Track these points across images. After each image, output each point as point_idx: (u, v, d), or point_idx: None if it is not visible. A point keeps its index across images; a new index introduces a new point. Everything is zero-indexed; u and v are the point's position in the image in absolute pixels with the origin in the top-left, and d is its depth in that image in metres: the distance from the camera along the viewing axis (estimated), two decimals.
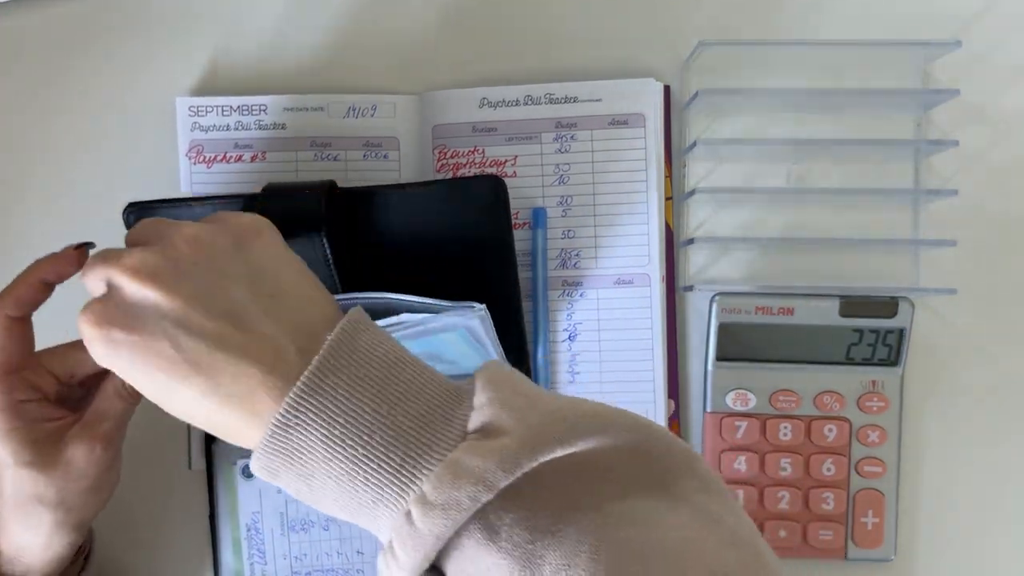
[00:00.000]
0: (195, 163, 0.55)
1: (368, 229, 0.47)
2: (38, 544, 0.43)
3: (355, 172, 0.55)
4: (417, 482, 0.33)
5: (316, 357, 0.34)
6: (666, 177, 0.55)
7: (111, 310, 0.35)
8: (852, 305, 0.53)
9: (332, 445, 0.33)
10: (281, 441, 0.34)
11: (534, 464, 0.32)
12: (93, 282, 0.37)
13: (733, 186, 0.55)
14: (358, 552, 0.54)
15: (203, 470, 0.55)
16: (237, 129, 0.54)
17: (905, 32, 0.55)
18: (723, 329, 0.53)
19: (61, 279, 0.44)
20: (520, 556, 0.31)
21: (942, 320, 0.55)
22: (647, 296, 0.54)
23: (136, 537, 0.55)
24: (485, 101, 0.54)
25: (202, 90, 0.56)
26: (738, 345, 0.53)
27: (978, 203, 0.55)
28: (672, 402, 0.55)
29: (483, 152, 0.54)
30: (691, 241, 0.54)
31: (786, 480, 0.54)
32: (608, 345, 0.54)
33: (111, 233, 0.53)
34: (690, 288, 0.55)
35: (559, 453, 0.33)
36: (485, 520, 0.32)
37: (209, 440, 0.54)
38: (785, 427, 0.53)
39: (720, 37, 0.55)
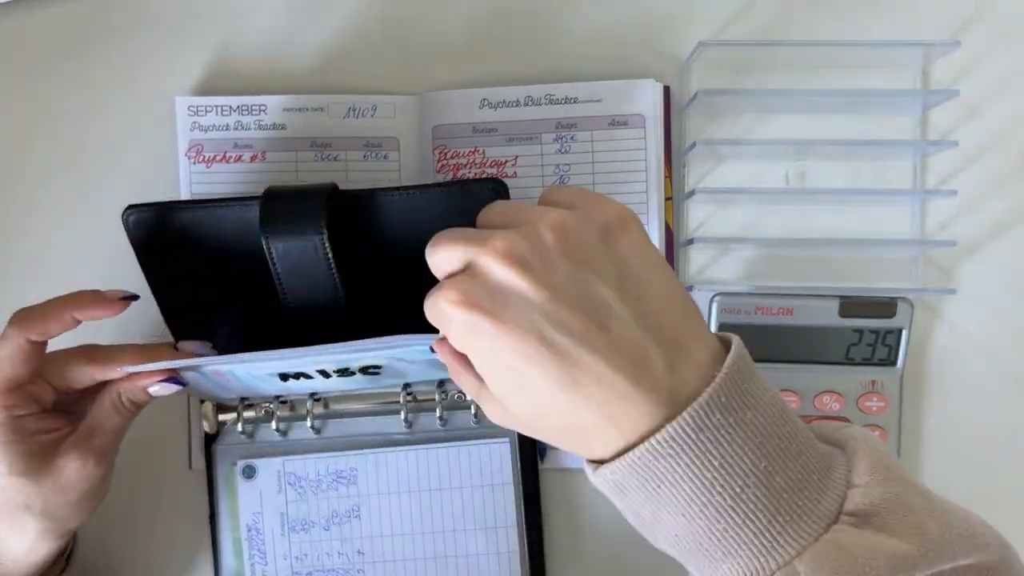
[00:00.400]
0: (194, 163, 0.54)
1: (369, 231, 0.47)
2: (21, 548, 0.44)
3: (355, 172, 0.55)
4: (784, 552, 0.31)
5: (709, 388, 0.32)
6: (666, 177, 0.55)
7: (477, 292, 0.33)
8: (851, 305, 0.53)
9: (700, 487, 0.32)
10: (647, 466, 0.32)
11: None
12: (449, 260, 0.36)
13: (733, 186, 0.55)
14: (359, 552, 0.54)
15: (203, 470, 0.55)
16: (237, 129, 0.54)
17: (905, 32, 0.55)
18: (723, 329, 0.53)
19: (93, 319, 0.44)
20: None
21: (942, 320, 0.55)
22: None
23: (136, 537, 0.55)
24: (485, 101, 0.54)
25: (202, 90, 0.56)
26: None
27: (978, 203, 0.55)
28: None
29: (483, 152, 0.54)
30: (691, 241, 0.54)
31: None
32: None
33: (110, 232, 0.54)
34: (690, 288, 0.55)
35: (943, 567, 0.32)
36: None
37: (209, 440, 0.54)
38: None
39: (720, 37, 0.55)
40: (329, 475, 0.54)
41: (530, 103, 0.54)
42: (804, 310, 0.53)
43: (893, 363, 0.53)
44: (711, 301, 0.53)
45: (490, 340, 0.33)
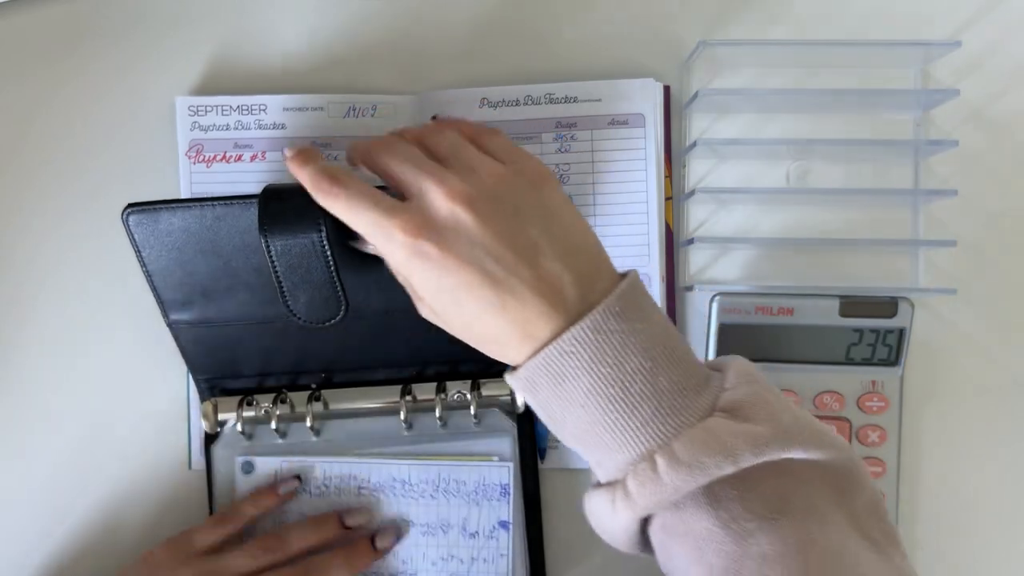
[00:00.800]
0: (195, 162, 0.55)
1: None
2: None
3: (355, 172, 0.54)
4: (663, 436, 0.37)
5: (605, 300, 0.38)
6: (666, 177, 0.55)
7: (426, 223, 0.39)
8: (852, 305, 0.53)
9: (596, 380, 0.38)
10: (554, 363, 0.38)
11: (776, 457, 0.37)
12: (403, 173, 0.41)
13: (733, 186, 0.55)
14: None
15: (203, 470, 0.55)
16: (237, 129, 0.54)
17: (905, 32, 0.55)
18: (723, 329, 0.53)
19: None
20: (735, 530, 0.36)
21: (942, 320, 0.55)
22: None
23: (136, 537, 0.55)
24: (485, 101, 0.54)
25: (202, 90, 0.56)
26: (738, 345, 0.53)
27: (978, 203, 0.55)
28: None
29: None
30: (691, 241, 0.54)
31: None
32: None
33: (110, 232, 0.54)
34: (690, 288, 0.55)
35: (795, 455, 0.37)
36: (710, 489, 0.37)
37: (209, 440, 0.54)
38: None
39: (720, 37, 0.55)
40: (329, 476, 0.54)
41: (530, 102, 0.54)
42: (804, 310, 0.53)
43: (894, 363, 0.53)
44: (711, 301, 0.53)
45: (433, 268, 0.39)
